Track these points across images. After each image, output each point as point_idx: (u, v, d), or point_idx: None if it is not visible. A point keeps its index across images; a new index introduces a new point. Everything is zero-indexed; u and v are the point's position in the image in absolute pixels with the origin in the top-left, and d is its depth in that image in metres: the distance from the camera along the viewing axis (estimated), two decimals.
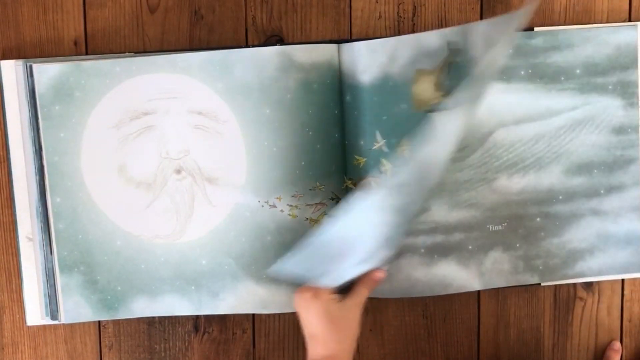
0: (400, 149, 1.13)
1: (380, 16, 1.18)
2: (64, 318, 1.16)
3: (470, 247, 1.19)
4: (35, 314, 1.18)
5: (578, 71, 1.18)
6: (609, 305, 1.24)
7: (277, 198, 1.14)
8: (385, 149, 1.14)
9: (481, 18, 1.19)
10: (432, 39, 1.12)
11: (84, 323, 1.19)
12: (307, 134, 1.13)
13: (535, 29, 1.18)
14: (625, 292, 1.24)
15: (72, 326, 1.19)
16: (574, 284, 1.23)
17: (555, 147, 1.19)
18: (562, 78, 1.18)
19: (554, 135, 1.19)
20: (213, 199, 1.14)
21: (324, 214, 1.14)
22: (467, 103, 1.00)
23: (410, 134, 1.07)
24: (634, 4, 1.20)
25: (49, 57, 1.15)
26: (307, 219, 1.14)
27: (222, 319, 1.21)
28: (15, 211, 1.16)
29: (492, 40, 1.05)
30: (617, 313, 1.25)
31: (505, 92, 1.17)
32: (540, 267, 1.20)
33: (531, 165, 1.19)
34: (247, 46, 1.16)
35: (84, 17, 1.16)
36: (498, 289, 1.21)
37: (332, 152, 1.14)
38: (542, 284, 1.22)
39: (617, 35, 1.18)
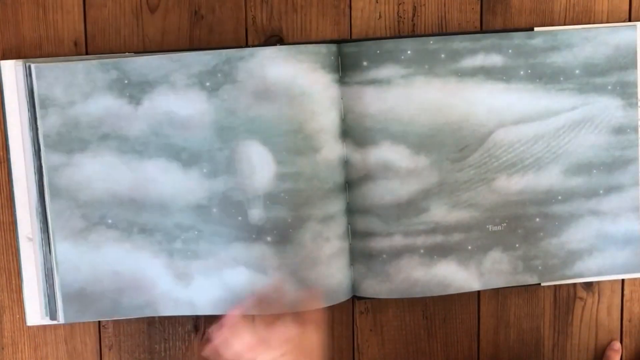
0: None
1: (380, 16, 1.18)
2: (63, 318, 1.16)
3: (469, 247, 1.19)
4: (35, 314, 1.17)
5: (577, 71, 1.18)
6: (609, 305, 1.24)
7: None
8: None
9: (481, 18, 1.19)
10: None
11: (84, 323, 1.19)
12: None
13: (535, 29, 1.18)
14: (625, 292, 1.25)
15: (72, 326, 1.19)
16: (574, 284, 1.24)
17: (554, 148, 1.19)
18: (562, 78, 1.18)
19: (553, 136, 1.19)
20: None
21: None
22: None
23: None
24: (634, 4, 1.20)
25: (49, 57, 1.15)
26: None
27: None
28: (15, 211, 1.16)
29: None
30: (617, 313, 1.25)
31: (504, 92, 1.17)
32: (540, 268, 1.20)
33: (530, 165, 1.19)
34: (247, 46, 1.16)
35: (84, 17, 1.16)
36: (498, 289, 1.22)
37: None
38: (542, 284, 1.22)
39: (616, 35, 1.18)
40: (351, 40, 1.17)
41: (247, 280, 1.15)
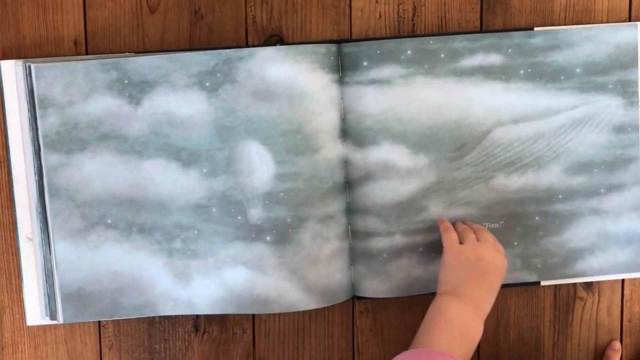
0: None
1: (380, 16, 1.18)
2: (62, 318, 1.16)
3: None
4: (35, 314, 1.18)
5: (578, 70, 1.18)
6: (609, 305, 1.24)
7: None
8: None
9: (481, 18, 1.19)
10: None
11: (84, 323, 1.19)
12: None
13: (535, 29, 1.18)
14: (625, 292, 1.24)
15: (72, 326, 1.19)
16: (574, 284, 1.24)
17: (554, 147, 1.19)
18: (562, 77, 1.18)
19: (554, 135, 1.19)
20: None
21: None
22: None
23: None
24: (634, 3, 1.20)
25: (49, 57, 1.15)
26: None
27: (222, 318, 1.21)
28: (15, 211, 1.16)
29: None
30: (617, 313, 1.25)
31: (504, 91, 1.17)
32: (539, 266, 1.20)
33: (530, 164, 1.19)
34: (247, 46, 1.16)
35: (84, 17, 1.16)
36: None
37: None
38: (542, 284, 1.22)
39: (617, 34, 1.18)
40: (351, 40, 1.17)
41: (247, 280, 1.15)
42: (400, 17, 1.18)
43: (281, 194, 1.13)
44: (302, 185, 1.14)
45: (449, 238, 1.12)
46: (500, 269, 1.10)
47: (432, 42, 1.16)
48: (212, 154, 1.13)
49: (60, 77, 1.12)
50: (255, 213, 1.14)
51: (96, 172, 1.14)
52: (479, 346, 1.23)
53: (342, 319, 1.22)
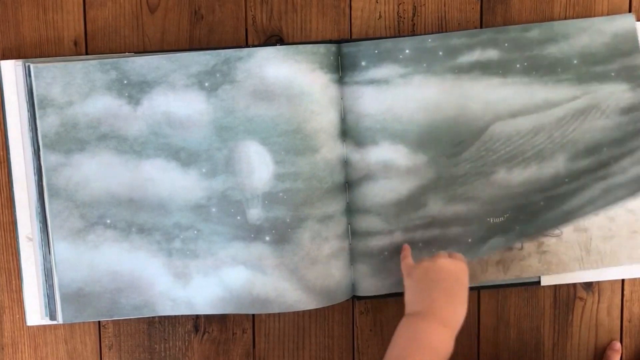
0: None
1: (380, 16, 1.18)
2: (61, 318, 1.16)
3: (469, 240, 1.19)
4: (35, 314, 1.18)
5: (575, 62, 1.18)
6: (609, 305, 1.24)
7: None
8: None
9: (481, 18, 1.19)
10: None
11: (83, 323, 1.19)
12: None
13: None
14: (625, 292, 1.24)
15: (72, 326, 1.20)
16: (574, 284, 1.23)
17: (558, 138, 1.19)
18: (559, 69, 1.18)
19: (555, 127, 1.18)
20: None
21: None
22: None
23: None
24: (634, 3, 1.20)
25: (49, 57, 1.15)
26: None
27: (222, 318, 1.21)
28: (15, 211, 1.16)
29: None
30: (617, 313, 1.25)
31: (500, 87, 1.17)
32: (533, 232, 1.20)
33: (532, 157, 1.19)
34: (247, 46, 1.16)
35: (84, 17, 1.16)
36: (498, 289, 1.21)
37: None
38: (542, 284, 1.22)
39: (612, 24, 1.19)
40: (350, 40, 1.17)
41: (246, 280, 1.15)
42: (400, 17, 1.18)
43: (280, 194, 1.13)
44: (302, 185, 1.14)
45: (405, 263, 1.12)
46: (460, 276, 1.08)
47: (430, 41, 1.16)
48: (212, 154, 1.13)
49: (60, 77, 1.12)
50: (255, 213, 1.14)
51: (95, 172, 1.14)
52: (478, 346, 1.23)
53: (342, 319, 1.22)
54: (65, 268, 1.15)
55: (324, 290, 1.17)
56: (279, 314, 1.21)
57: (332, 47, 1.15)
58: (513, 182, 1.19)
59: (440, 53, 1.16)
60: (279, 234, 1.14)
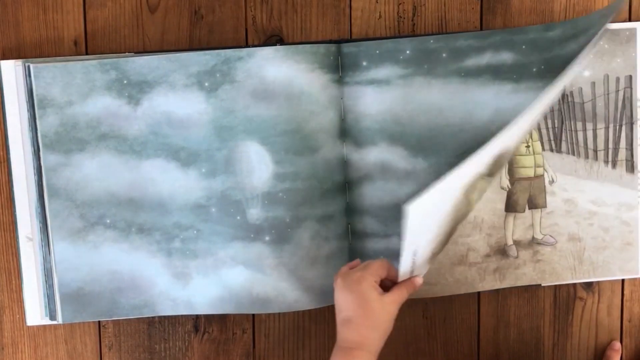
0: None
1: (380, 16, 1.18)
2: (61, 318, 1.16)
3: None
4: (35, 314, 1.18)
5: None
6: (609, 305, 1.24)
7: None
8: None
9: (481, 18, 1.19)
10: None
11: (84, 323, 1.19)
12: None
13: None
14: (625, 292, 1.24)
15: (72, 326, 1.20)
16: (574, 284, 1.23)
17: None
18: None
19: None
20: None
21: None
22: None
23: None
24: (634, 3, 1.20)
25: (49, 57, 1.15)
26: None
27: (222, 318, 1.21)
28: (15, 211, 1.16)
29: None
30: (617, 313, 1.25)
31: (513, 93, 1.15)
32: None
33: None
34: (247, 46, 1.16)
35: (84, 17, 1.16)
36: (498, 289, 1.21)
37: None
38: (542, 284, 1.22)
39: None
40: (351, 40, 1.17)
41: (246, 280, 1.15)
42: (400, 17, 1.18)
43: (280, 194, 1.13)
44: (301, 185, 1.14)
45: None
46: (349, 297, 1.02)
47: (432, 42, 1.15)
48: (211, 154, 1.13)
49: (59, 77, 1.12)
50: (254, 213, 1.14)
51: (95, 172, 1.14)
52: (478, 346, 1.23)
53: None
54: (65, 268, 1.15)
55: (324, 290, 1.17)
56: (279, 314, 1.21)
57: (332, 47, 1.15)
58: None
59: (444, 55, 1.15)
60: (279, 234, 1.14)
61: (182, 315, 1.20)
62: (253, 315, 1.21)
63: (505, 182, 1.19)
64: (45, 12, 1.16)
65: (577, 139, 1.20)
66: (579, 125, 1.19)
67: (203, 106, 1.13)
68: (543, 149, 1.19)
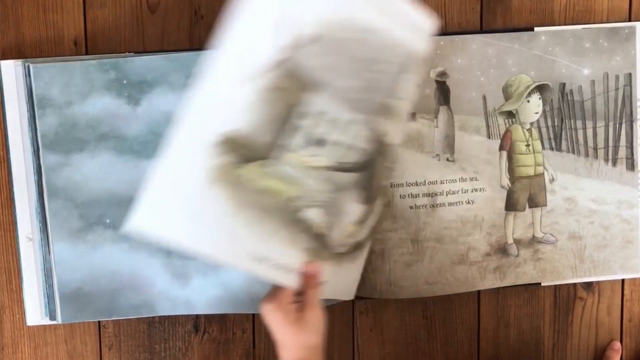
0: None
1: None
2: (61, 318, 1.16)
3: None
4: (35, 314, 1.18)
5: None
6: (609, 305, 1.24)
7: None
8: None
9: (481, 18, 1.19)
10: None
11: (84, 323, 1.19)
12: None
13: (535, 29, 1.18)
14: (625, 292, 1.24)
15: (72, 326, 1.20)
16: (574, 284, 1.23)
17: None
18: None
19: None
20: None
21: None
22: None
23: None
24: (634, 3, 1.20)
25: (48, 57, 1.15)
26: None
27: (222, 318, 1.21)
28: (15, 211, 1.16)
29: None
30: (617, 313, 1.25)
31: None
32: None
33: None
34: None
35: (84, 17, 1.16)
36: (498, 289, 1.21)
37: None
38: (542, 284, 1.22)
39: None
40: None
41: (245, 280, 1.15)
42: None
43: None
44: None
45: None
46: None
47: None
48: None
49: (59, 77, 1.12)
50: None
51: (95, 172, 1.14)
52: (479, 346, 1.23)
53: (342, 319, 1.22)
54: (64, 268, 1.15)
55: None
56: None
57: None
58: None
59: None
60: None
61: (182, 315, 1.20)
62: (253, 315, 1.21)
63: (506, 181, 1.19)
64: (45, 12, 1.16)
65: (577, 137, 1.20)
66: (579, 123, 1.20)
67: None
68: (543, 148, 1.19)
